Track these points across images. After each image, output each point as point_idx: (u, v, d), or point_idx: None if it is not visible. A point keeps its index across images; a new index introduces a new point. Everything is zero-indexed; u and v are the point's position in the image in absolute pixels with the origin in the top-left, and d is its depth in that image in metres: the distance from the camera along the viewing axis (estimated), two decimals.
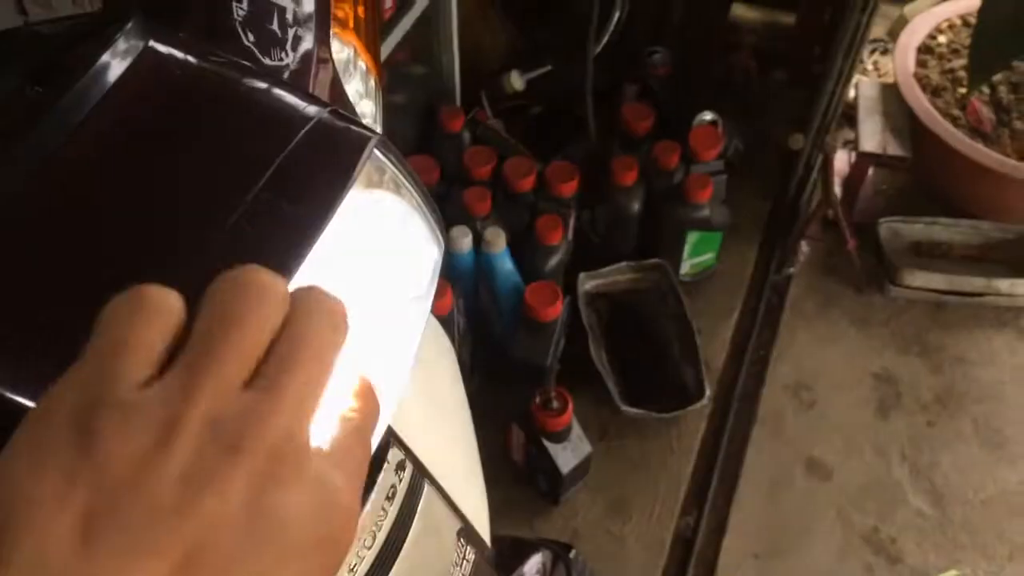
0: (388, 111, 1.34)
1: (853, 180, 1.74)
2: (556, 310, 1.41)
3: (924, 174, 1.76)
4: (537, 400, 1.34)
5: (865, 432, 1.51)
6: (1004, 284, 1.60)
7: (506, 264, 1.46)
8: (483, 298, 1.49)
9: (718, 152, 1.59)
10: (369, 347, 0.39)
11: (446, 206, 1.49)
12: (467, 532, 0.55)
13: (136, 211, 0.33)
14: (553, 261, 1.51)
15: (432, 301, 0.43)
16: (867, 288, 1.68)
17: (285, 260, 0.33)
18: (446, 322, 1.40)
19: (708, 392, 1.50)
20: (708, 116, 1.67)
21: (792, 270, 1.71)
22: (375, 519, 0.47)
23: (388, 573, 0.48)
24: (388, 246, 0.41)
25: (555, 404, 1.33)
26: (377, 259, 0.41)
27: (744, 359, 1.61)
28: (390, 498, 0.48)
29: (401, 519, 0.49)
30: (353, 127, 0.37)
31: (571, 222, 1.56)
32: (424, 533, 0.51)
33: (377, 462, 0.48)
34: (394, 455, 0.49)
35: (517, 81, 1.75)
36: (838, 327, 1.64)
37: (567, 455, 1.37)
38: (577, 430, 1.38)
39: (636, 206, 1.57)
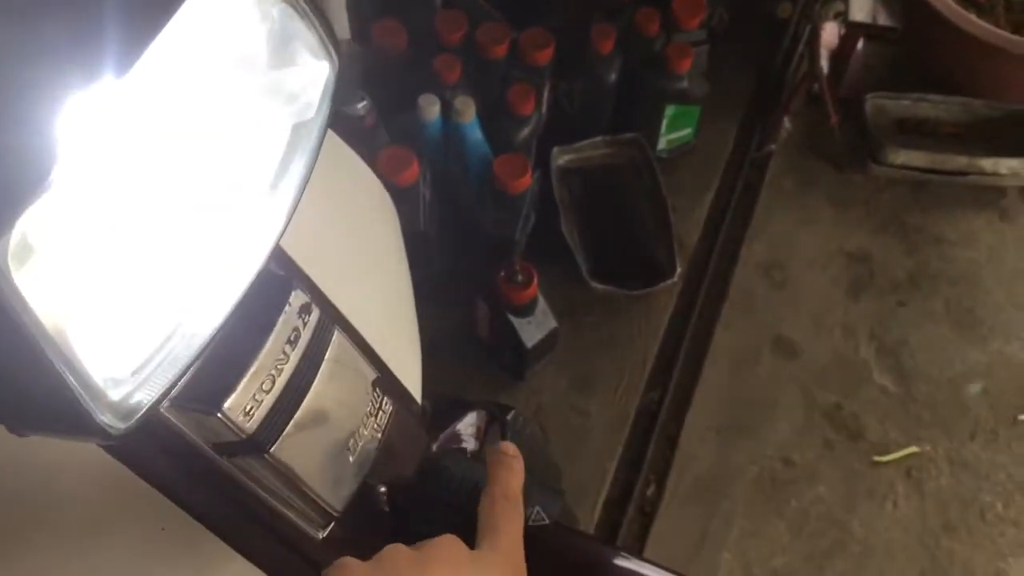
0: None
1: (842, 53, 1.67)
2: (525, 182, 1.37)
3: (914, 47, 1.69)
4: (502, 273, 1.31)
5: (835, 311, 1.50)
6: (987, 163, 1.56)
7: (475, 134, 1.41)
8: (451, 170, 1.45)
9: (701, 20, 1.52)
10: (236, 162, 0.35)
11: (414, 73, 1.43)
12: (384, 383, 0.53)
13: None
14: (524, 132, 1.47)
15: (324, 123, 0.40)
16: (848, 166, 1.63)
17: (127, 48, 0.29)
18: (411, 193, 1.37)
19: (679, 270, 1.48)
20: None
21: (773, 147, 1.66)
22: (274, 362, 0.45)
23: (291, 418, 0.46)
24: (267, 57, 0.37)
25: (520, 277, 1.31)
26: (252, 70, 0.37)
27: (718, 237, 1.59)
28: (291, 342, 0.46)
29: (305, 364, 0.46)
30: None
31: (545, 93, 1.50)
32: (332, 381, 0.49)
33: (278, 304, 0.45)
34: (297, 297, 0.46)
35: None
36: (816, 206, 1.61)
37: (532, 329, 1.36)
38: (543, 305, 1.37)
39: (613, 76, 1.51)
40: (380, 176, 1.29)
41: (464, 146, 1.41)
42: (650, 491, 1.36)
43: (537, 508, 0.52)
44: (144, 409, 0.34)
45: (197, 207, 0.36)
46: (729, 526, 1.32)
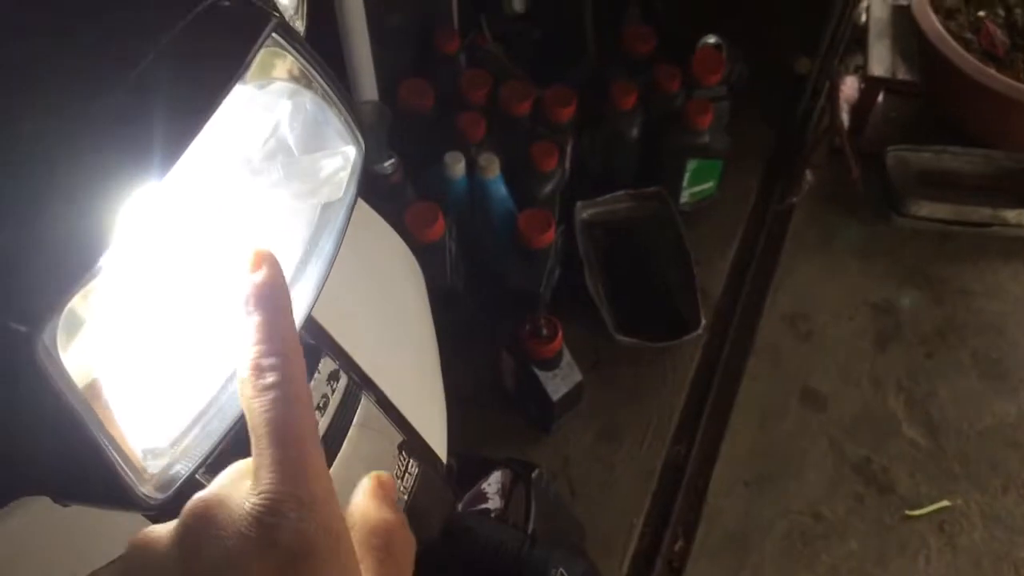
0: (382, 33, 1.31)
1: (862, 106, 1.69)
2: (549, 237, 1.39)
3: (934, 100, 1.70)
4: (527, 327, 1.33)
5: (862, 363, 1.49)
6: (1011, 214, 1.56)
7: (500, 190, 1.43)
8: (477, 225, 1.47)
9: (721, 76, 1.55)
10: (267, 242, 0.37)
11: (440, 131, 1.46)
12: (410, 446, 0.54)
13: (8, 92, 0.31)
14: (548, 188, 1.49)
15: (352, 203, 0.42)
16: (871, 219, 1.64)
17: (165, 148, 0.31)
18: (438, 248, 1.39)
19: (703, 322, 1.49)
20: (712, 39, 1.62)
21: (795, 199, 1.67)
22: None
23: None
24: (298, 143, 0.39)
25: (545, 331, 1.32)
26: (285, 155, 0.39)
27: (742, 289, 1.59)
28: (321, 408, 0.47)
29: (334, 430, 0.48)
30: (251, 8, 0.35)
31: (568, 149, 1.53)
32: (360, 444, 0.50)
33: (308, 371, 0.47)
34: (326, 365, 0.48)
35: (518, 3, 1.70)
36: (839, 258, 1.61)
37: (557, 383, 1.37)
38: (568, 358, 1.38)
39: (635, 132, 1.54)
40: (407, 232, 1.32)
41: (489, 202, 1.44)
42: (678, 545, 1.35)
43: (561, 570, 0.53)
44: (182, 479, 0.36)
45: (230, 285, 0.38)
46: None
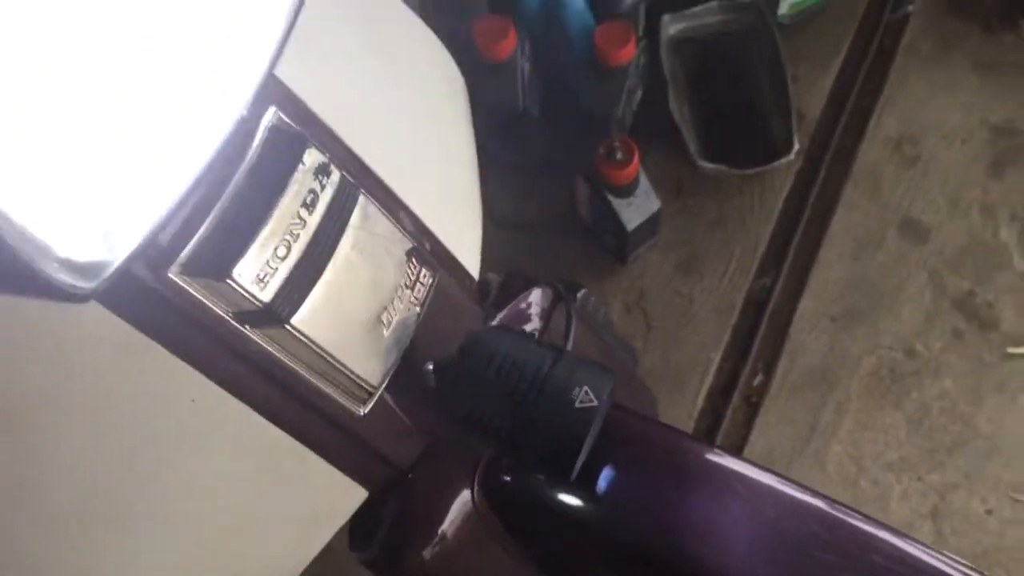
0: None
1: None
2: (628, 54, 1.28)
3: None
4: (601, 151, 1.24)
5: (973, 190, 1.36)
6: None
7: (577, 3, 1.32)
8: (552, 42, 1.37)
9: None
10: None
11: None
12: (421, 253, 0.49)
13: None
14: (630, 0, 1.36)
15: None
16: (998, 27, 1.45)
17: None
18: (508, 68, 1.30)
19: (796, 146, 1.37)
20: None
21: (911, 7, 1.49)
22: (289, 226, 0.42)
23: (312, 288, 0.43)
24: None
25: (620, 155, 1.24)
26: None
27: (844, 110, 1.45)
28: (308, 205, 0.42)
29: (325, 230, 0.43)
30: None
31: None
32: (359, 249, 0.45)
33: (289, 163, 0.42)
34: (312, 156, 0.42)
35: None
36: (957, 72, 1.44)
37: (632, 211, 1.29)
38: (645, 185, 1.30)
39: None
40: (475, 49, 1.24)
41: (565, 15, 1.33)
42: (757, 380, 1.30)
43: (586, 388, 0.48)
44: (112, 268, 0.32)
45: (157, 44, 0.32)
46: (841, 418, 1.25)
